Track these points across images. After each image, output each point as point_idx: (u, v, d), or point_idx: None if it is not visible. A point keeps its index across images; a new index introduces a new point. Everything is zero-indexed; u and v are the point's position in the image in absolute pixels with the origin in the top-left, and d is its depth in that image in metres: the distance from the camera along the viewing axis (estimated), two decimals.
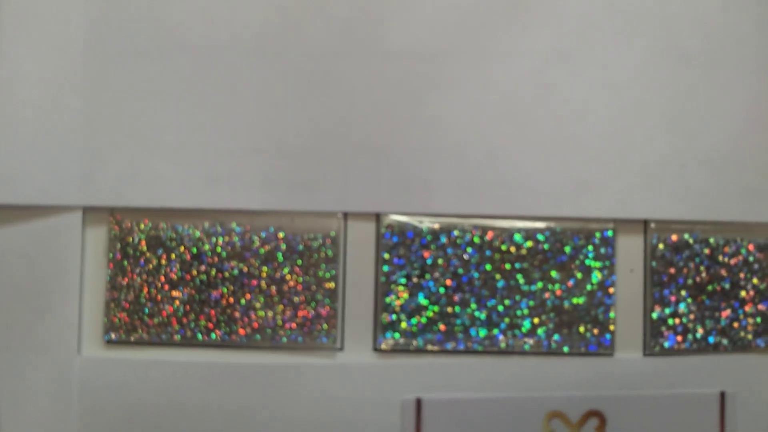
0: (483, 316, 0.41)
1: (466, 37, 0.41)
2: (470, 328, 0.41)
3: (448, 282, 0.41)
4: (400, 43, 0.42)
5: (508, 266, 0.42)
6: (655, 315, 0.42)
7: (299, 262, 0.41)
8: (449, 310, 0.41)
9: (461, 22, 0.42)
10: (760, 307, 0.42)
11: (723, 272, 0.42)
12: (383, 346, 0.41)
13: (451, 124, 0.42)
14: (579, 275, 0.42)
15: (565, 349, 0.41)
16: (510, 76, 0.42)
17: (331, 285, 0.41)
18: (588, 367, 0.42)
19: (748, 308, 0.42)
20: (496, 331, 0.41)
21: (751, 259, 0.42)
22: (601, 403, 0.41)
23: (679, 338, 0.42)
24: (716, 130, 0.42)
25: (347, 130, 0.42)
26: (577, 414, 0.41)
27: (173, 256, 0.41)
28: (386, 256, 0.41)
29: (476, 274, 0.41)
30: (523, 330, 0.41)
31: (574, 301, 0.42)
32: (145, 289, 0.41)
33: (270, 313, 0.41)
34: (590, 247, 0.42)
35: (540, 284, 0.42)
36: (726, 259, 0.42)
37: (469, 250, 0.41)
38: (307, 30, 0.42)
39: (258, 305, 0.41)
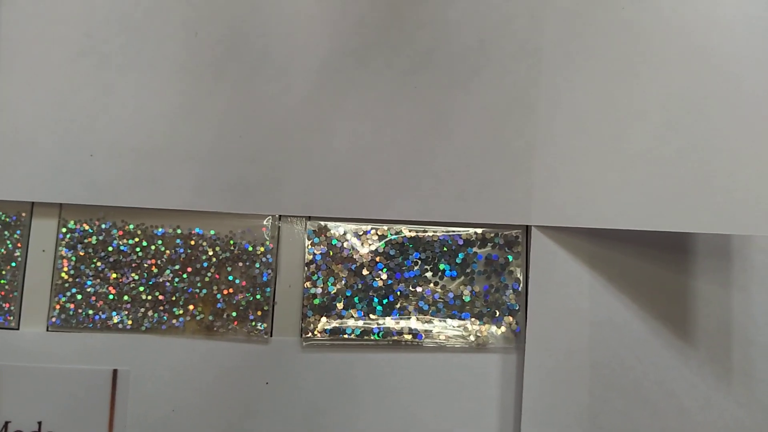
0: None
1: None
2: None
3: None
4: None
5: None
6: (67, 293, 0.44)
7: None
8: None
9: None
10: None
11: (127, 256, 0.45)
12: None
13: None
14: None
15: None
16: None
17: None
18: None
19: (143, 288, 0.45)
20: None
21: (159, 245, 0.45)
22: None
23: (63, 315, 0.44)
24: (126, 122, 0.45)
25: None
26: None
27: None
28: None
29: None
30: None
31: None
32: None
33: None
34: (6, 230, 0.45)
35: None
36: (132, 241, 0.45)
37: None
38: None
39: None
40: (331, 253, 0.45)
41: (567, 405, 0.44)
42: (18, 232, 0.45)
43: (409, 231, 0.45)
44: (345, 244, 0.45)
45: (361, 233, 0.45)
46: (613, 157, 0.45)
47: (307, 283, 0.45)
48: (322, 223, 0.45)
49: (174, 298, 0.44)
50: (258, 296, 0.44)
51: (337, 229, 0.45)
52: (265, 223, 0.45)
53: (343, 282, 0.45)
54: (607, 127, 0.45)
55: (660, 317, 0.46)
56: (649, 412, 0.46)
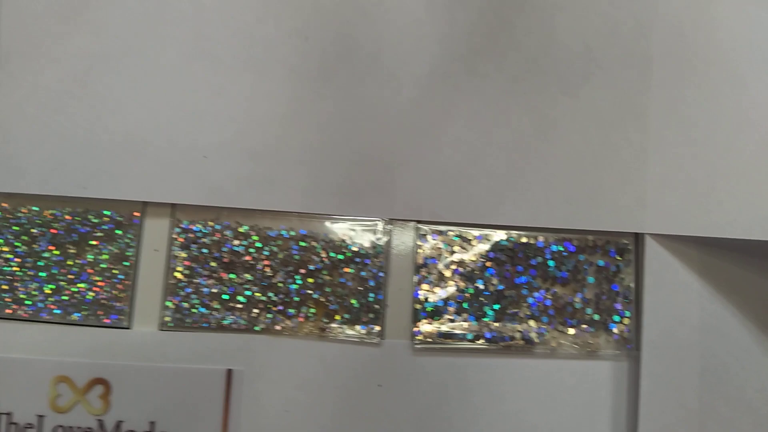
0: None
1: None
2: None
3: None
4: None
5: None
6: (181, 292, 0.45)
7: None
8: None
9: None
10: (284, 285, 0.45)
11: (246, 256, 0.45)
12: None
13: None
14: (105, 255, 0.45)
15: (77, 317, 0.44)
16: (58, 78, 0.46)
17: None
18: (103, 338, 0.44)
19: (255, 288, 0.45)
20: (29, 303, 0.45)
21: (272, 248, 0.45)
22: (108, 372, 0.44)
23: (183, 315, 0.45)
24: (238, 124, 0.46)
25: None
26: (83, 380, 0.44)
27: None
28: None
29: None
30: (45, 301, 0.45)
31: (98, 278, 0.45)
32: None
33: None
34: (118, 229, 0.45)
35: (70, 262, 0.45)
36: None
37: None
38: None
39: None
40: (441, 258, 0.45)
41: (679, 412, 0.44)
42: (130, 231, 0.46)
43: (520, 236, 0.46)
44: (455, 249, 0.45)
45: (471, 238, 0.46)
46: (723, 165, 0.45)
47: (418, 287, 0.45)
48: (433, 227, 0.46)
49: (287, 300, 0.44)
50: (370, 299, 0.45)
51: (447, 233, 0.46)
52: (376, 226, 0.45)
53: (454, 286, 0.45)
54: (717, 135, 0.46)
55: (764, 326, 0.46)
56: (752, 420, 0.46)
